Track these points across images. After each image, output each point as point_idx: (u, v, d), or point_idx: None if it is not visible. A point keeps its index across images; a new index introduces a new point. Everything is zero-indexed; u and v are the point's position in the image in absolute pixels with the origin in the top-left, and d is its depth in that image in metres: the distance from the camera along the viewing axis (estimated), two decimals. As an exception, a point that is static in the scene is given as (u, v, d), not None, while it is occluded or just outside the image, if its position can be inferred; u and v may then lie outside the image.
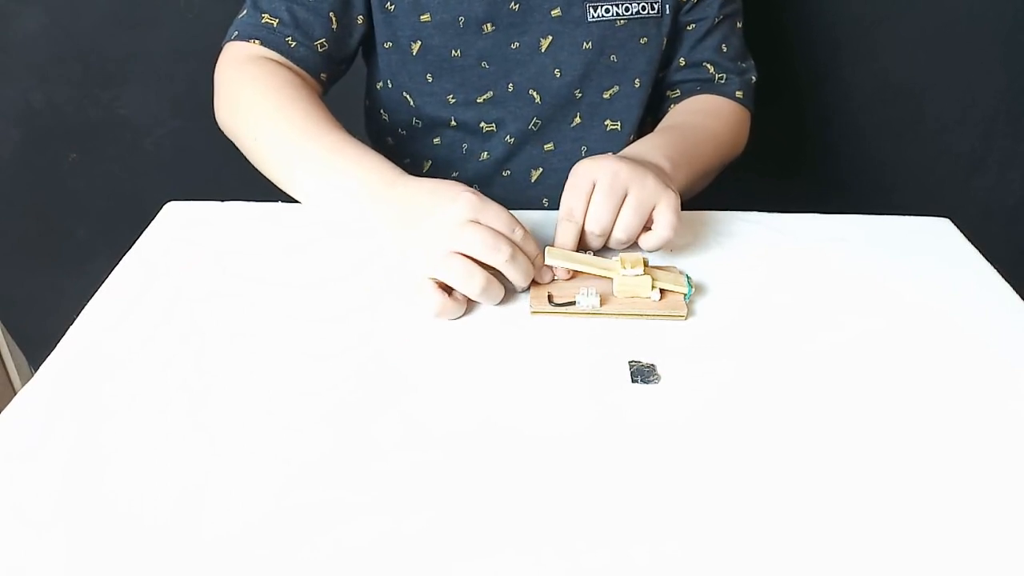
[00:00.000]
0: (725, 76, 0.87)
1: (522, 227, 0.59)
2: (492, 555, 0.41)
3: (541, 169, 0.86)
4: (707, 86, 0.87)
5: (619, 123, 0.85)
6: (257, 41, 0.75)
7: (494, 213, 0.58)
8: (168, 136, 1.21)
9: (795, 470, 0.46)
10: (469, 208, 0.57)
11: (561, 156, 0.86)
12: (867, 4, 1.16)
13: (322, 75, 0.79)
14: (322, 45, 0.77)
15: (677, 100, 0.88)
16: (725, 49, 0.87)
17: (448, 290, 0.57)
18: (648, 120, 0.89)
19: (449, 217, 0.57)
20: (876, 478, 0.46)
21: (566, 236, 0.63)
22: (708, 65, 0.87)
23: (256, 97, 0.72)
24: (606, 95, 0.84)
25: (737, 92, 0.87)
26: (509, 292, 0.60)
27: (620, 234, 0.63)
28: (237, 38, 0.76)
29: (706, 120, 0.83)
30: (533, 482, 0.45)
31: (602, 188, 0.62)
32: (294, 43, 0.75)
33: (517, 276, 0.58)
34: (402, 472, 0.45)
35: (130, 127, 1.20)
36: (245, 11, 0.78)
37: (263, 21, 0.76)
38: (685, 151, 0.75)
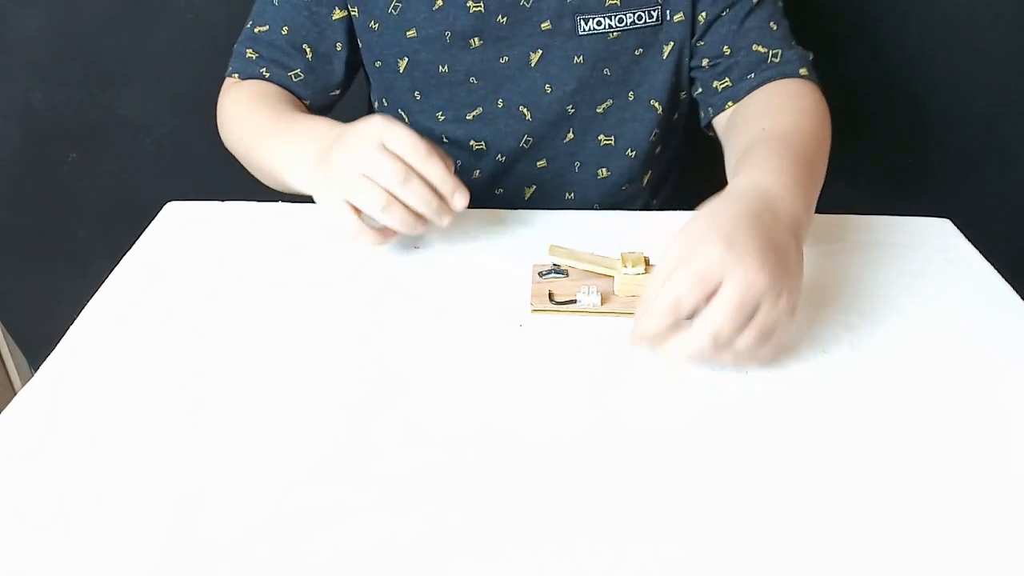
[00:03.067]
0: (780, 53, 0.77)
1: (430, 147, 0.59)
2: (492, 555, 0.40)
3: (534, 186, 0.84)
4: (762, 68, 0.77)
5: (613, 138, 0.83)
6: (237, 75, 0.80)
7: (397, 136, 0.59)
8: (168, 136, 1.21)
9: (795, 470, 0.46)
10: (373, 135, 0.59)
11: (554, 173, 0.84)
12: (867, 4, 1.16)
13: (305, 102, 0.80)
14: (297, 75, 0.78)
15: (729, 91, 0.78)
16: (775, 27, 0.78)
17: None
18: (672, 131, 0.85)
19: (354, 142, 0.60)
20: (875, 478, 0.46)
21: (652, 326, 0.50)
22: (757, 46, 0.77)
23: (236, 110, 0.77)
24: (599, 109, 0.81)
25: (801, 70, 0.76)
26: (510, 289, 0.60)
27: (727, 358, 0.51)
28: (228, 74, 0.81)
29: (803, 120, 0.70)
30: (533, 482, 0.45)
31: (731, 300, 0.48)
32: (269, 74, 0.78)
33: (414, 198, 0.59)
34: (402, 472, 0.45)
35: (130, 127, 1.20)
36: (237, 44, 0.81)
37: (246, 55, 0.79)
38: (812, 178, 0.62)
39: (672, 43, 0.80)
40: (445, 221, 0.60)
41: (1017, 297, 0.62)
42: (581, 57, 0.78)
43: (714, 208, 0.53)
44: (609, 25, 0.77)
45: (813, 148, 0.66)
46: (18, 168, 1.22)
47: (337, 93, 0.83)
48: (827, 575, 0.40)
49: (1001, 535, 0.43)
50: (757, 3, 0.78)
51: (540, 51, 0.78)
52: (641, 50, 0.79)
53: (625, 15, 0.77)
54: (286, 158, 0.67)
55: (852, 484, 0.45)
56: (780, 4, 0.81)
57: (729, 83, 0.78)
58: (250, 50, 0.79)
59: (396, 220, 0.59)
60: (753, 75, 0.77)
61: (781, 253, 0.51)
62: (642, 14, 0.77)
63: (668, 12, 0.78)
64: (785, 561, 0.41)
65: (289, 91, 0.79)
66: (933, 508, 0.44)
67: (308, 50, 0.78)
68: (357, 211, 0.59)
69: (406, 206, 0.59)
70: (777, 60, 0.77)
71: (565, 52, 0.78)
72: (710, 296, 0.49)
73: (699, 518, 0.43)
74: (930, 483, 0.46)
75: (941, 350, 0.56)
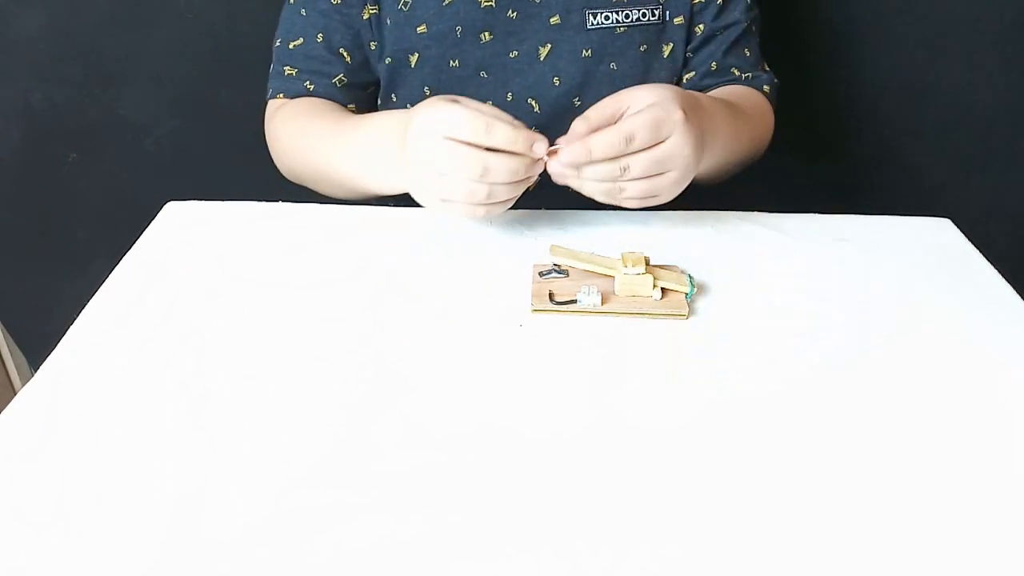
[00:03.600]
0: (751, 74, 0.86)
1: (487, 117, 0.58)
2: (492, 556, 0.40)
3: (538, 179, 0.85)
4: (733, 82, 0.87)
5: None
6: (281, 95, 0.81)
7: (451, 123, 0.58)
8: (168, 136, 1.21)
9: (796, 470, 0.46)
10: (429, 128, 0.58)
11: None
12: (867, 4, 1.16)
13: (349, 106, 0.81)
14: (340, 80, 0.80)
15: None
16: (748, 53, 0.87)
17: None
18: None
19: (418, 144, 0.59)
20: (875, 477, 0.46)
21: (603, 146, 0.59)
22: (735, 69, 0.86)
23: (291, 135, 0.77)
24: None
25: (764, 87, 0.86)
26: (510, 289, 0.60)
27: (608, 174, 0.60)
28: (270, 97, 0.82)
29: (747, 105, 0.81)
30: (533, 482, 0.45)
31: (659, 155, 0.60)
32: (312, 86, 0.80)
33: (502, 177, 0.58)
34: (402, 473, 0.45)
35: (130, 127, 1.20)
36: (272, 64, 0.82)
37: (285, 73, 0.81)
38: (737, 147, 0.74)
39: (672, 44, 0.83)
40: (538, 169, 0.61)
41: (1017, 297, 0.62)
42: (589, 50, 0.80)
43: (673, 87, 0.64)
44: (616, 20, 0.79)
45: (743, 119, 0.77)
46: (18, 168, 1.22)
47: (372, 90, 0.84)
48: (827, 575, 0.40)
49: (1001, 535, 0.43)
50: (744, 31, 0.85)
51: (549, 45, 0.79)
52: (646, 47, 0.81)
53: (631, 11, 0.79)
54: (363, 167, 0.68)
55: (852, 483, 0.45)
56: (755, 28, 0.89)
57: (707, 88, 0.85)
58: (288, 67, 0.80)
59: (502, 198, 0.60)
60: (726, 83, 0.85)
61: (705, 128, 0.64)
62: (646, 11, 0.80)
63: (668, 13, 0.81)
64: (785, 561, 0.41)
65: (334, 100, 0.80)
66: (933, 508, 0.44)
67: (346, 54, 0.80)
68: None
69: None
70: (748, 79, 0.86)
71: (574, 45, 0.80)
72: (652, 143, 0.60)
73: (699, 518, 0.43)
74: (930, 483, 0.46)
75: (941, 350, 0.56)
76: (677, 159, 0.61)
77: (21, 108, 1.17)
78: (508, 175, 0.59)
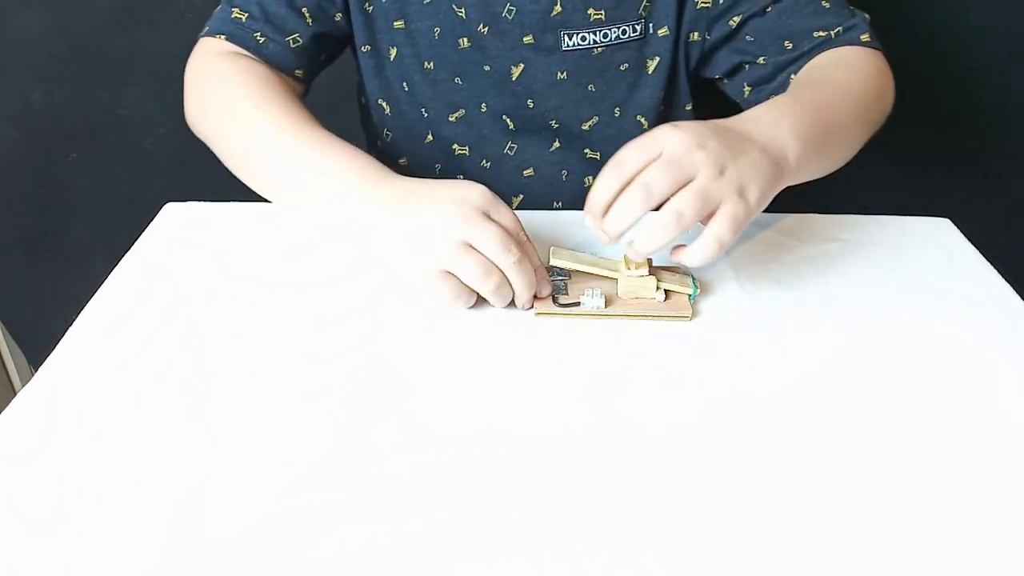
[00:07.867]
0: (841, 28, 0.74)
1: (526, 234, 0.57)
2: (492, 558, 0.40)
3: (521, 196, 0.82)
4: (823, 47, 0.74)
5: (599, 153, 0.80)
6: (223, 36, 0.72)
7: (505, 210, 0.56)
8: (168, 136, 1.21)
9: (799, 472, 0.46)
10: (482, 198, 0.55)
11: (541, 182, 0.81)
12: (866, 3, 1.16)
13: (297, 72, 0.74)
14: (295, 40, 0.72)
15: (793, 68, 0.75)
16: (827, 4, 0.75)
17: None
18: None
19: (459, 203, 0.54)
20: (876, 478, 0.46)
21: (605, 186, 0.53)
22: (818, 31, 0.74)
23: (225, 95, 0.69)
24: (585, 127, 0.78)
25: (862, 36, 0.74)
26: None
27: (670, 226, 0.52)
28: (207, 34, 0.73)
29: (838, 73, 0.71)
30: (535, 484, 0.45)
31: (666, 157, 0.52)
32: (263, 39, 0.72)
33: (521, 283, 0.55)
34: (403, 474, 0.45)
35: (130, 127, 1.20)
36: (220, 5, 0.75)
37: (233, 16, 0.72)
38: (821, 122, 0.63)
39: (658, 58, 0.77)
40: (529, 308, 0.58)
41: (1017, 297, 0.62)
42: (564, 73, 0.75)
43: (681, 124, 0.56)
44: (594, 40, 0.74)
45: (833, 95, 0.67)
46: (18, 168, 1.22)
47: (325, 60, 0.78)
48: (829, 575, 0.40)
49: (1001, 535, 0.43)
50: None
51: (522, 65, 0.75)
52: (627, 65, 0.76)
53: (610, 30, 0.74)
54: (313, 190, 0.63)
55: (852, 484, 0.45)
56: None
57: (795, 69, 0.75)
58: (237, 9, 0.72)
59: (491, 289, 0.55)
60: (814, 54, 0.74)
61: (729, 141, 0.55)
62: (626, 28, 0.74)
63: (652, 26, 0.75)
64: (789, 564, 0.41)
65: (281, 61, 0.73)
66: (933, 509, 0.44)
67: (307, 15, 0.73)
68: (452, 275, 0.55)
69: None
70: (838, 33, 0.74)
71: (548, 67, 0.75)
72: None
73: (703, 521, 0.43)
74: (930, 484, 0.46)
75: (941, 350, 0.56)
76: (712, 193, 0.53)
77: (21, 108, 1.17)
78: (526, 282, 0.55)
